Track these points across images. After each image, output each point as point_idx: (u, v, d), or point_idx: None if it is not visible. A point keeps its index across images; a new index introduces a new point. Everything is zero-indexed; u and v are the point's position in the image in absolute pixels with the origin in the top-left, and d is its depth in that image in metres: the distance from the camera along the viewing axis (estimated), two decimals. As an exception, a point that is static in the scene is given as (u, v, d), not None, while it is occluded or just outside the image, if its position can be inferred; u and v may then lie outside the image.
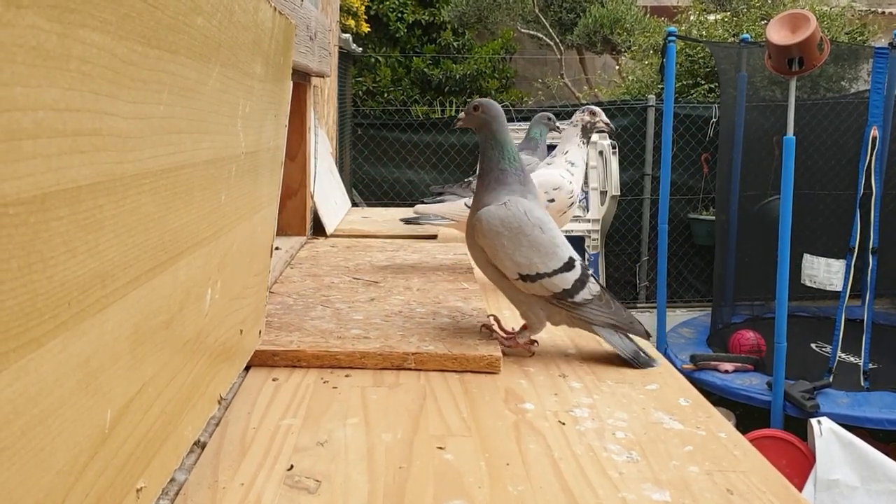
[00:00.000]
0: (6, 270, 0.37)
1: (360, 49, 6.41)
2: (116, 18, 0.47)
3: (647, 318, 5.14)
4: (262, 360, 1.04)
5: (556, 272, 1.08)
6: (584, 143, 1.53)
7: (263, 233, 1.00)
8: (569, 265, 1.08)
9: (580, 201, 5.30)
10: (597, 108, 1.53)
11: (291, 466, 0.76)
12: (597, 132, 1.55)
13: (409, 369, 1.04)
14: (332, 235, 2.05)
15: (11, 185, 0.37)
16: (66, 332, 0.45)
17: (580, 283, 1.08)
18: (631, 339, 1.11)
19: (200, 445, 0.80)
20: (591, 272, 1.12)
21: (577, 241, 5.23)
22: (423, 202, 1.87)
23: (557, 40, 7.50)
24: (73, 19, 0.42)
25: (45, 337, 0.42)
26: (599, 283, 1.12)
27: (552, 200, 1.50)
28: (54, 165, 0.41)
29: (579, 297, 1.08)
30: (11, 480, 0.40)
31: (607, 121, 1.53)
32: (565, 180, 1.51)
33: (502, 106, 1.24)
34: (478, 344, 1.09)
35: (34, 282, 0.40)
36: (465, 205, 1.55)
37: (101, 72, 0.45)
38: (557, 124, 2.04)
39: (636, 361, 1.09)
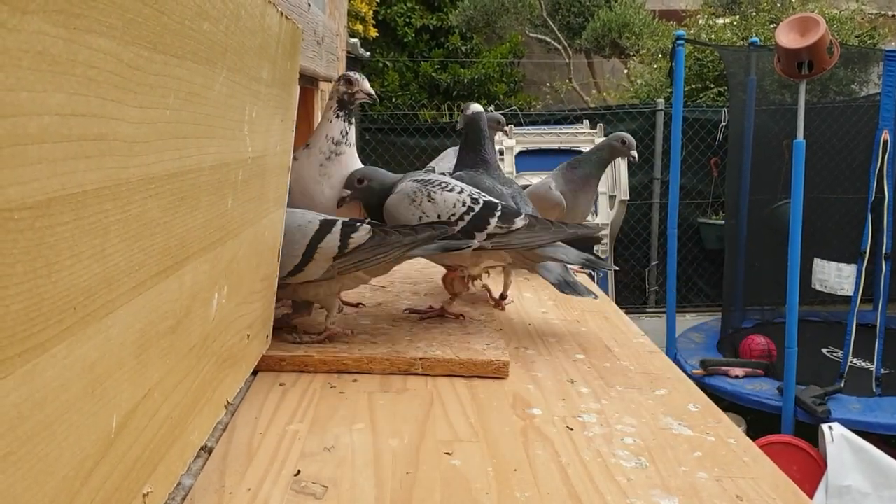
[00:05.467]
0: (11, 275, 0.37)
1: (368, 54, 6.42)
2: (122, 23, 0.47)
3: (656, 323, 5.11)
4: (269, 365, 1.04)
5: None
6: (338, 118, 1.29)
7: (271, 237, 1.00)
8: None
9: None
10: (354, 75, 1.30)
11: (298, 472, 0.76)
12: (361, 103, 1.32)
13: (417, 374, 1.04)
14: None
15: (17, 190, 0.37)
16: (72, 337, 0.44)
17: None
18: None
19: (207, 450, 0.80)
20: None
21: (585, 246, 5.20)
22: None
23: (566, 44, 7.50)
24: (79, 24, 0.42)
25: (50, 342, 0.42)
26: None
27: None
28: (60, 170, 0.41)
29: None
30: (16, 486, 0.40)
31: (369, 90, 1.29)
32: None
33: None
34: (485, 349, 1.08)
35: (39, 286, 0.40)
36: None
37: (106, 76, 0.45)
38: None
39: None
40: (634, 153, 1.65)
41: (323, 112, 1.30)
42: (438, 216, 1.19)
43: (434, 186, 1.22)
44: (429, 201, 1.20)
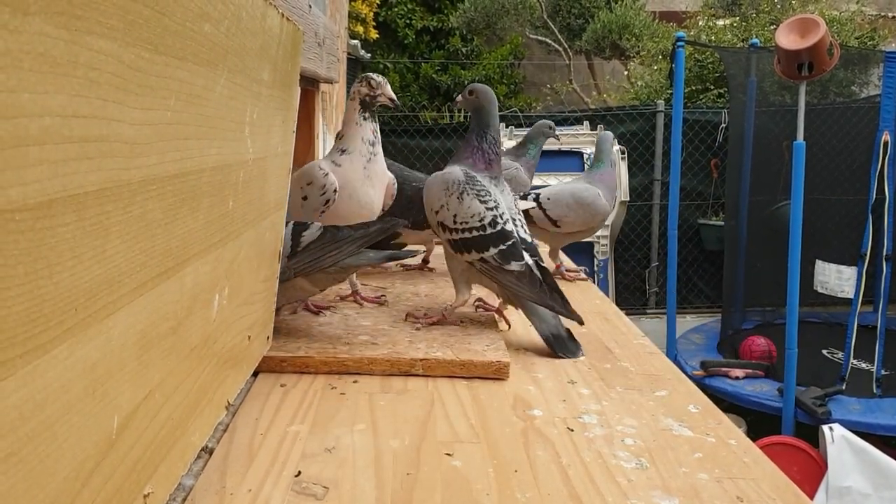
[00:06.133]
0: (12, 276, 0.37)
1: (369, 55, 6.43)
2: (124, 25, 0.47)
3: (656, 325, 5.11)
4: (270, 366, 1.04)
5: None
6: (365, 120, 1.29)
7: (271, 239, 1.00)
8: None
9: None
10: (377, 78, 1.28)
11: (299, 472, 0.76)
12: (381, 107, 1.30)
13: (417, 375, 1.04)
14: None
15: (18, 192, 0.37)
16: (73, 338, 0.45)
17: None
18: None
19: (208, 451, 0.80)
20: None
21: (586, 247, 5.21)
22: None
23: (566, 46, 7.51)
24: (81, 26, 0.42)
25: (51, 343, 0.42)
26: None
27: (305, 198, 1.29)
28: (61, 171, 0.41)
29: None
30: (18, 486, 0.40)
31: (392, 95, 1.28)
32: (320, 173, 1.27)
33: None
34: (486, 350, 1.09)
35: (40, 288, 0.40)
36: None
37: (108, 78, 0.46)
38: (557, 133, 2.00)
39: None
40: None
41: (346, 113, 1.31)
42: (454, 216, 1.19)
43: (471, 188, 1.20)
44: (457, 199, 1.19)
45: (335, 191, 1.26)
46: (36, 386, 0.41)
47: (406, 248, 1.19)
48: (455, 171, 1.23)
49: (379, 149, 1.29)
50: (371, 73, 1.29)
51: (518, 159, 1.89)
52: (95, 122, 0.45)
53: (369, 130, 1.28)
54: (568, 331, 1.16)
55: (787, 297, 3.43)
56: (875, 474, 3.12)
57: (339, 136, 1.31)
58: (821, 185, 4.43)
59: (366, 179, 1.27)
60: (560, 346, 1.14)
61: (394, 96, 1.28)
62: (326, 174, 1.26)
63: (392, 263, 1.72)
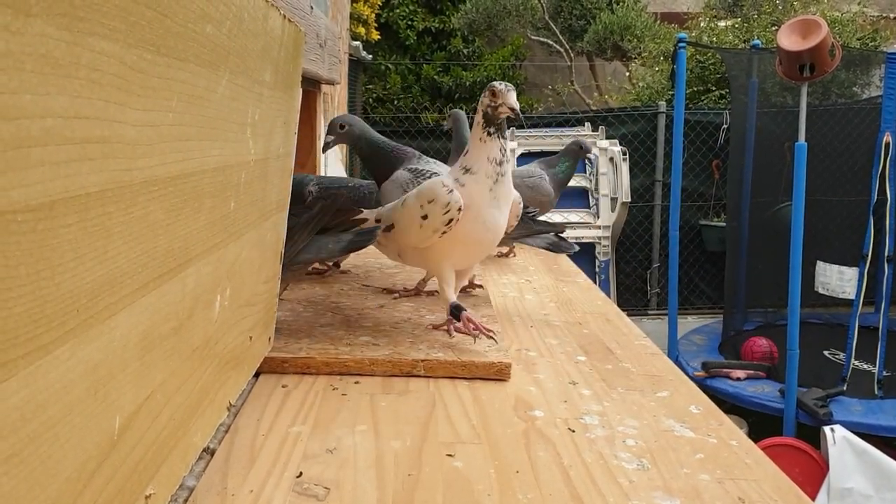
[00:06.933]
0: (14, 277, 0.38)
1: (371, 56, 6.44)
2: (125, 26, 0.47)
3: (658, 325, 5.12)
4: (271, 367, 1.04)
5: None
6: (490, 136, 1.15)
7: (273, 240, 1.00)
8: None
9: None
10: (499, 86, 1.14)
11: (300, 473, 0.76)
12: (507, 120, 1.18)
13: (419, 376, 1.04)
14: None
15: (20, 193, 0.37)
16: (75, 339, 0.45)
17: None
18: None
19: (209, 452, 0.80)
20: None
21: (587, 248, 5.22)
22: None
23: (567, 47, 7.51)
24: (83, 27, 0.42)
25: (53, 344, 0.42)
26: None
27: (425, 217, 1.17)
28: (63, 173, 0.41)
29: None
30: (19, 487, 0.40)
31: (513, 104, 1.12)
32: (444, 190, 1.16)
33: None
34: (487, 351, 1.09)
35: (42, 289, 0.40)
36: None
37: (110, 79, 0.46)
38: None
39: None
40: (591, 154, 2.20)
41: (473, 128, 1.19)
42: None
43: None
44: None
45: (460, 209, 1.15)
46: (38, 387, 0.41)
47: (365, 228, 1.18)
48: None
49: (507, 168, 1.17)
50: (494, 82, 1.16)
51: (547, 170, 2.00)
52: (97, 123, 0.45)
53: (496, 148, 1.15)
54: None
55: (789, 298, 3.43)
56: (876, 475, 3.12)
57: (465, 153, 1.20)
58: (822, 187, 4.43)
59: (492, 201, 1.17)
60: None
61: (515, 105, 1.13)
62: (451, 191, 1.15)
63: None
